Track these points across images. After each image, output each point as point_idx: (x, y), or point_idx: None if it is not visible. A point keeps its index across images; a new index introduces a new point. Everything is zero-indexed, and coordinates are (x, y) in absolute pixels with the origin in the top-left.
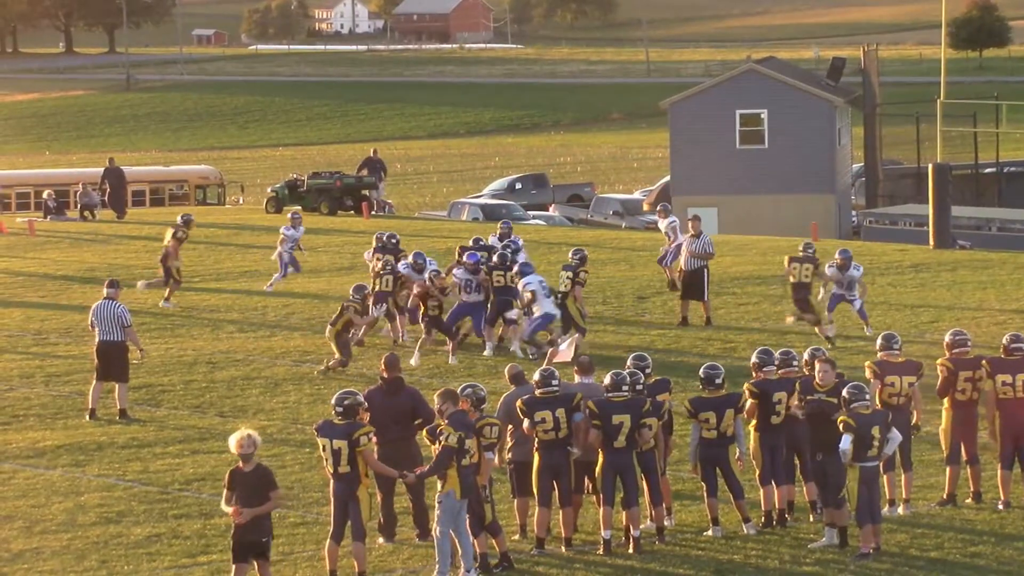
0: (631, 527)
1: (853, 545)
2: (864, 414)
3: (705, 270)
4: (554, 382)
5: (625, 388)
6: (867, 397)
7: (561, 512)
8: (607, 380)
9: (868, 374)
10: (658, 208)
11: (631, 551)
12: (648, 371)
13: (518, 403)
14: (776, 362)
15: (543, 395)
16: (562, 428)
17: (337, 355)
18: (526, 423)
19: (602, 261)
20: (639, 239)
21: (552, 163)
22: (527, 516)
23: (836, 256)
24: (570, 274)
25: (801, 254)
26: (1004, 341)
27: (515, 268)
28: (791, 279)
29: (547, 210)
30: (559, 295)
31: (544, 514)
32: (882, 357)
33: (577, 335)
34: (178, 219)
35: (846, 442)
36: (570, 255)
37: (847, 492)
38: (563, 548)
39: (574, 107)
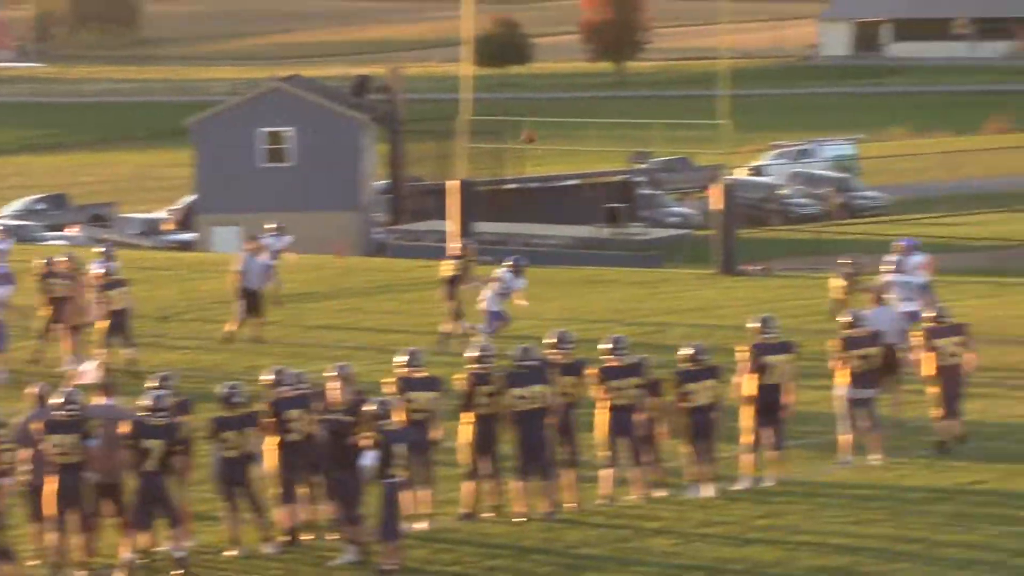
0: (174, 546)
1: (374, 561)
2: (389, 431)
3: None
4: (72, 405)
5: (164, 412)
6: (393, 414)
7: (78, 536)
8: (148, 401)
9: (391, 390)
10: (270, 225)
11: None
12: (168, 392)
13: (34, 426)
14: (290, 380)
15: (60, 417)
16: (76, 452)
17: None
18: (42, 445)
19: None
20: (162, 258)
21: (75, 182)
22: (42, 541)
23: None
24: (125, 289)
25: None
26: (516, 353)
27: None
28: None
29: (67, 230)
30: (117, 312)
31: (58, 538)
32: (406, 373)
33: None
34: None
35: (370, 459)
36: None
37: (370, 509)
38: (80, 573)
39: (98, 126)
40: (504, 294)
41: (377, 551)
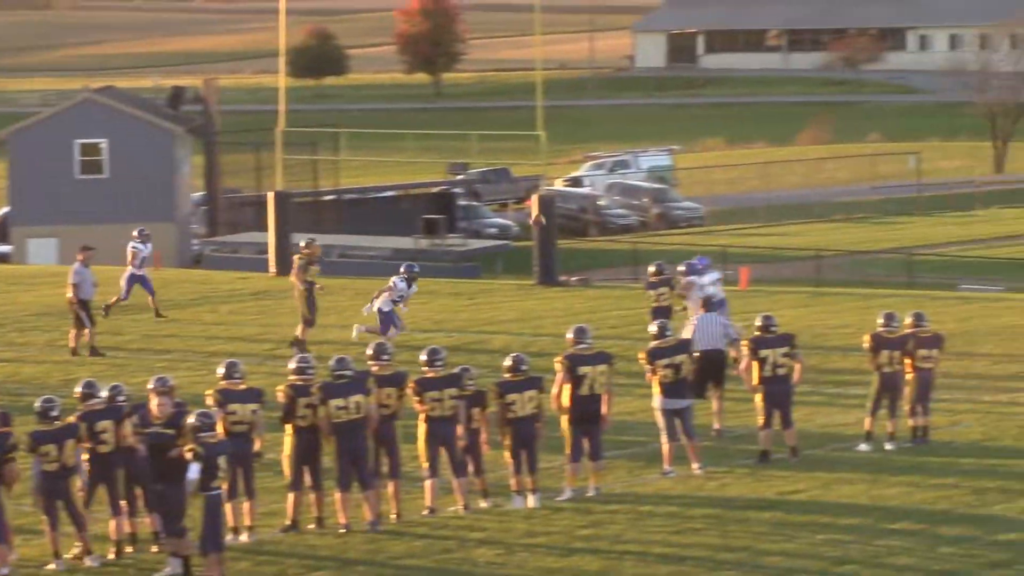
0: None
1: (197, 574)
2: (211, 443)
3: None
4: None
5: None
6: (212, 427)
7: None
8: None
9: (210, 402)
10: (138, 232)
11: None
12: None
13: None
14: (101, 393)
15: None
16: None
17: None
18: None
19: None
20: None
21: None
22: None
23: None
24: None
25: None
26: (331, 365)
27: None
28: None
29: None
30: None
31: None
32: (226, 385)
33: None
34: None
35: (194, 471)
36: None
37: (192, 521)
38: None
39: None
40: (397, 301)
41: (200, 564)
